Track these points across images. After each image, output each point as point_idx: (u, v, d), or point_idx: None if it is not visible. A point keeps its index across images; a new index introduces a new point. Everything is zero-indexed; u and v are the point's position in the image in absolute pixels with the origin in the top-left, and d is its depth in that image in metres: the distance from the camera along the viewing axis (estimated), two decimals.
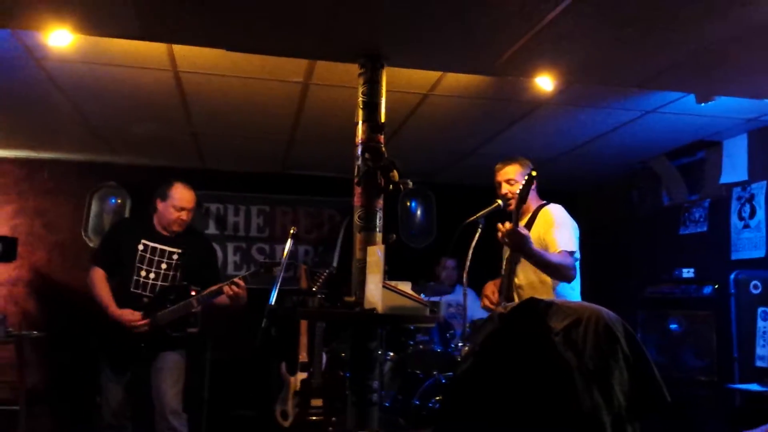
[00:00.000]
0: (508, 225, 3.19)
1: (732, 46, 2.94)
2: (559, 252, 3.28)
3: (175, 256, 3.90)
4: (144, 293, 3.82)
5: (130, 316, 3.73)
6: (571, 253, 3.30)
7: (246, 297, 3.85)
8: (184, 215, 3.90)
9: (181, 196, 3.90)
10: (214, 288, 3.80)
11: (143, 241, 3.87)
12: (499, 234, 3.21)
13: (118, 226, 4.28)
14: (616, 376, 2.07)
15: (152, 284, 3.84)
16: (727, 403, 3.89)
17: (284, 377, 4.81)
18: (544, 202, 3.59)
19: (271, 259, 6.15)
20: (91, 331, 3.96)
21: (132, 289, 3.81)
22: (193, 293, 3.81)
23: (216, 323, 4.71)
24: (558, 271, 3.28)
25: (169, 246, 3.91)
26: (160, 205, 3.93)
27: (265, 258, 6.18)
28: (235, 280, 3.77)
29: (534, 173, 3.27)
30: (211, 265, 4.10)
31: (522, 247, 3.20)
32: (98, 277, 3.85)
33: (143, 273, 3.84)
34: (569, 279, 3.31)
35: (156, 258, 3.87)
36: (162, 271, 3.86)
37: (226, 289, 3.75)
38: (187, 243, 3.96)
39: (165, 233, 3.92)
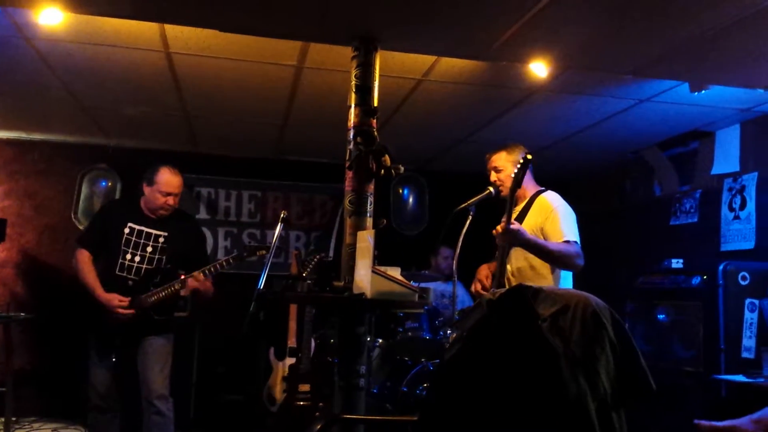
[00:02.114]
0: (499, 228, 3.20)
1: (726, 34, 2.94)
2: (563, 242, 3.26)
3: (161, 239, 3.88)
4: (129, 276, 3.81)
5: (117, 302, 3.71)
6: (576, 242, 3.29)
7: (210, 291, 3.84)
8: (170, 200, 3.87)
9: (167, 181, 3.86)
10: (194, 274, 3.78)
11: (129, 224, 3.85)
12: (496, 238, 3.22)
13: (106, 209, 4.25)
14: (602, 364, 2.07)
15: (137, 267, 3.82)
16: (713, 393, 3.91)
17: (272, 362, 4.81)
18: (542, 188, 3.56)
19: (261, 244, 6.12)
20: (78, 314, 3.95)
21: (117, 272, 3.80)
22: (182, 277, 3.80)
23: (205, 308, 4.69)
24: (560, 260, 3.26)
25: (155, 229, 3.89)
26: (146, 190, 3.90)
27: (253, 243, 6.15)
28: (194, 273, 3.76)
29: (529, 156, 3.25)
30: (198, 249, 4.07)
31: (518, 242, 3.20)
32: (84, 260, 3.83)
33: (128, 256, 3.82)
34: (575, 267, 3.29)
35: (142, 241, 3.85)
36: (147, 255, 3.85)
37: (189, 281, 3.74)
38: (174, 226, 3.94)
39: (152, 216, 3.90)
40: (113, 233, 3.85)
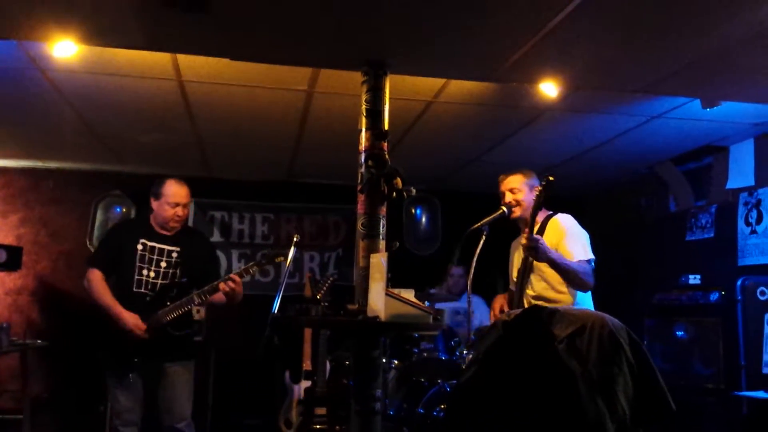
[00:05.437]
0: (524, 240, 3.18)
1: (737, 50, 2.93)
2: (577, 262, 3.25)
3: (174, 255, 3.89)
4: (147, 292, 3.81)
5: (141, 325, 3.69)
6: (588, 261, 3.29)
7: (241, 293, 3.82)
8: (179, 211, 3.88)
9: (174, 191, 3.88)
10: (214, 284, 3.77)
11: (142, 240, 3.86)
12: (524, 242, 3.20)
13: (116, 229, 4.27)
14: (620, 384, 2.06)
15: (153, 283, 3.83)
16: (734, 410, 3.86)
17: (288, 385, 4.80)
18: (551, 212, 3.56)
19: (276, 264, 6.10)
20: (94, 337, 3.94)
21: (134, 289, 3.80)
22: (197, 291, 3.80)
23: (220, 331, 4.69)
24: (577, 278, 3.24)
25: (167, 245, 3.90)
26: (154, 204, 3.92)
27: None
28: (231, 275, 3.75)
29: (551, 178, 3.24)
30: (210, 263, 4.06)
31: (542, 256, 3.18)
32: (97, 279, 3.80)
33: (144, 272, 3.83)
34: (587, 287, 3.28)
35: (155, 257, 3.87)
36: (162, 270, 3.85)
37: (221, 285, 3.72)
38: (186, 241, 3.95)
39: (163, 232, 3.91)
40: (126, 251, 3.84)
